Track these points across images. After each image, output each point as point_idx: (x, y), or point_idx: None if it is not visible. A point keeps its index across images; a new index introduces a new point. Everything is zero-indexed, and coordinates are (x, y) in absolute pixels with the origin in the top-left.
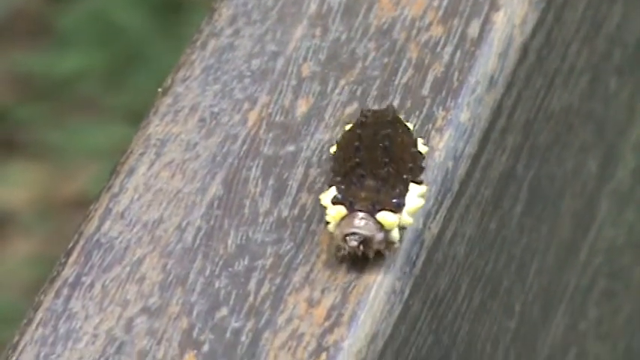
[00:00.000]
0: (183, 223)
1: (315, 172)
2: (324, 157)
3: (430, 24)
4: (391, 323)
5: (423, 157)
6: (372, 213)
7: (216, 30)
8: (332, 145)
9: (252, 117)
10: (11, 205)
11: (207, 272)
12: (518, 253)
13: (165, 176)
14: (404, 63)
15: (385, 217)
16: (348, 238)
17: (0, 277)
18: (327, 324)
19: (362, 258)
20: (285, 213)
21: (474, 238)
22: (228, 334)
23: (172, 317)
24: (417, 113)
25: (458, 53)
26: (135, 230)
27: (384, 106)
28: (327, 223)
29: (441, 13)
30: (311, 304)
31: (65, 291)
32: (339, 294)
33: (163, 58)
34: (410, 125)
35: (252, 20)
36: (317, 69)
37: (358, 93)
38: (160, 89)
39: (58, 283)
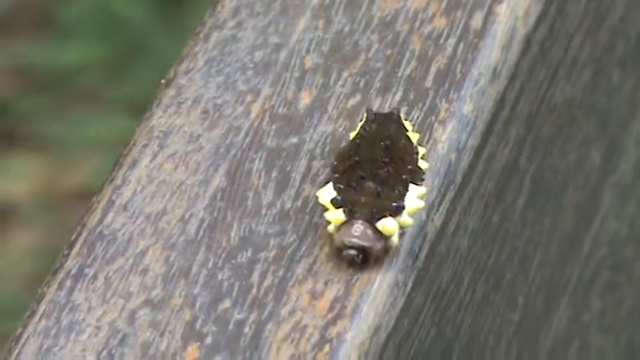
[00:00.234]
0: (186, 215)
1: (319, 165)
2: (327, 149)
3: (433, 16)
4: (394, 316)
5: (423, 171)
6: (371, 222)
7: (219, 22)
8: (338, 137)
9: (255, 109)
10: (13, 197)
11: (210, 264)
12: (521, 245)
13: (168, 168)
14: (407, 55)
15: (386, 225)
16: (347, 248)
17: (2, 269)
18: (330, 316)
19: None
20: (288, 205)
21: (476, 231)
22: (231, 326)
23: (175, 309)
24: (420, 105)
25: (461, 45)
26: (138, 222)
27: (387, 97)
28: (328, 222)
29: (444, 5)
30: (314, 296)
31: (68, 283)
32: (342, 286)
33: (166, 50)
34: (412, 135)
35: (255, 12)
36: (320, 61)
37: (361, 85)
38: (163, 81)
39: (60, 275)
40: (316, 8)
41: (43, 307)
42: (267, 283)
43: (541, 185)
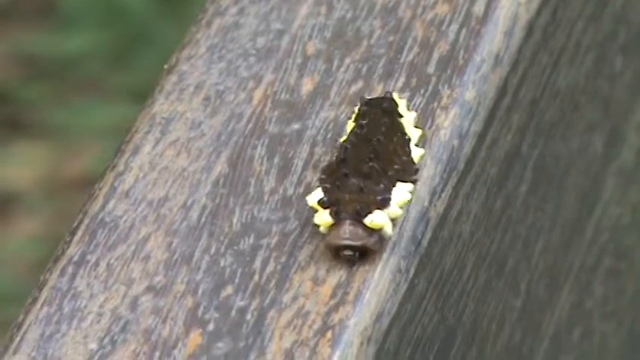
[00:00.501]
0: (189, 202)
1: (321, 151)
2: (329, 135)
3: (436, 2)
4: (396, 302)
5: (416, 170)
6: (359, 220)
7: (221, 8)
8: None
9: (258, 95)
10: (16, 184)
11: (213, 251)
12: (524, 231)
13: (171, 155)
14: (409, 41)
15: (374, 220)
16: (341, 249)
17: (5, 255)
18: (332, 302)
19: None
20: (290, 191)
21: (479, 217)
22: (233, 313)
23: (177, 296)
24: (423, 91)
25: (463, 31)
26: (140, 209)
27: (389, 84)
28: (317, 225)
29: None
30: (316, 282)
31: (70, 270)
32: (344, 272)
33: (168, 37)
34: (407, 122)
35: None
36: (322, 47)
37: (364, 71)
38: (165, 67)
39: (62, 262)
40: None
41: (45, 294)
42: (269, 269)
43: (543, 171)
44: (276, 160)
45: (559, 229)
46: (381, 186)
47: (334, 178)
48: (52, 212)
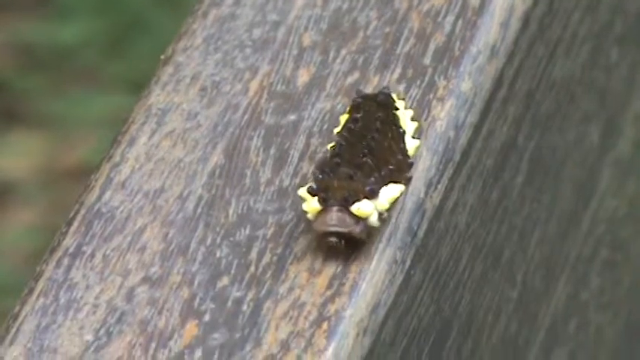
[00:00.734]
0: (185, 193)
1: (317, 142)
2: (325, 126)
3: None
4: (392, 293)
5: (410, 164)
6: (346, 206)
7: None
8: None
9: (254, 86)
10: (12, 174)
11: (209, 242)
12: (520, 223)
13: (167, 146)
14: (405, 32)
15: (360, 208)
16: (326, 235)
17: (1, 246)
18: (328, 293)
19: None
20: (286, 182)
21: (475, 208)
22: (229, 304)
23: (173, 287)
24: (419, 82)
25: (459, 22)
26: (136, 200)
27: (385, 75)
28: (306, 212)
29: None
30: (312, 273)
31: (66, 261)
32: (340, 263)
33: (164, 27)
34: (402, 115)
35: None
36: (318, 38)
37: (360, 62)
38: (162, 57)
39: (58, 253)
40: None
41: (41, 285)
42: (265, 260)
43: (540, 163)
44: (272, 151)
45: (555, 221)
46: (372, 179)
47: (326, 167)
48: (49, 202)
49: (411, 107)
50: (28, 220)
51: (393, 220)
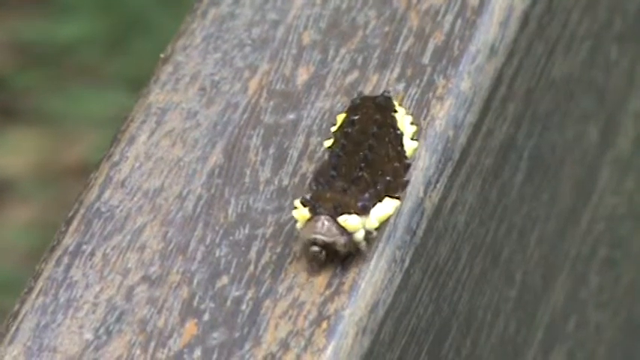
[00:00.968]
0: (184, 192)
1: (316, 141)
2: (324, 125)
3: None
4: (392, 292)
5: (407, 167)
6: (334, 216)
7: None
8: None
9: (253, 85)
10: (11, 172)
11: (208, 241)
12: (519, 221)
13: (166, 145)
14: (404, 31)
15: (347, 220)
16: (310, 244)
17: (0, 244)
18: (327, 293)
19: (328, 260)
20: (285, 182)
21: (474, 207)
22: (228, 303)
23: (173, 286)
24: (418, 82)
25: (459, 21)
26: (135, 199)
27: (384, 74)
28: (296, 220)
29: None
30: (311, 272)
31: (66, 259)
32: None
33: (164, 25)
34: (401, 117)
35: None
36: (318, 37)
37: (359, 61)
38: (162, 55)
39: (58, 252)
40: None
41: (40, 283)
42: (264, 259)
43: (539, 161)
44: (271, 150)
45: (554, 219)
46: (366, 195)
47: (321, 180)
48: (47, 200)
49: (410, 106)
50: (27, 217)
51: (392, 219)
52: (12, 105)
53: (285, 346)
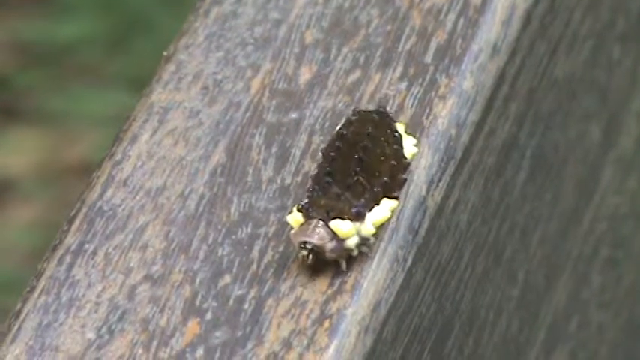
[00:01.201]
0: (187, 191)
1: (318, 140)
2: (327, 124)
3: None
4: (394, 291)
5: (406, 166)
6: (326, 220)
7: None
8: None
9: (255, 84)
10: (13, 171)
11: (210, 240)
12: (522, 221)
13: (168, 144)
14: (407, 30)
15: (338, 225)
16: (299, 248)
17: (1, 243)
18: (330, 291)
19: (318, 264)
20: (288, 180)
21: (477, 206)
22: (231, 302)
23: (175, 285)
24: (420, 80)
25: (461, 20)
26: (138, 198)
27: (387, 73)
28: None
29: None
30: (314, 271)
31: (68, 259)
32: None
33: (165, 24)
34: (401, 127)
35: None
36: (320, 36)
37: (361, 60)
38: (165, 53)
39: (60, 251)
40: None
41: (42, 283)
42: (267, 258)
43: (541, 161)
44: (273, 149)
45: (557, 219)
46: (362, 200)
47: (317, 187)
48: (49, 199)
49: (412, 105)
50: (29, 217)
51: (395, 218)
52: (13, 105)
53: (287, 344)
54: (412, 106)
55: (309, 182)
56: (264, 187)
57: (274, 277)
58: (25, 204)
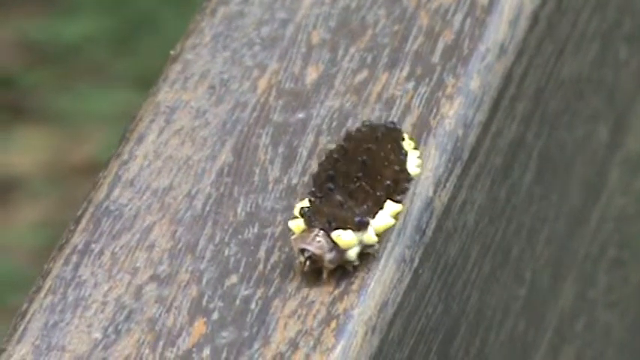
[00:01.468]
0: (193, 191)
1: (325, 140)
2: (334, 124)
3: None
4: (401, 292)
5: (409, 179)
6: (327, 231)
7: None
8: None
9: (262, 84)
10: (19, 170)
11: (217, 240)
12: (528, 221)
13: (175, 143)
14: (414, 30)
15: (340, 236)
16: (298, 255)
17: (8, 242)
18: (336, 292)
19: (317, 273)
20: (294, 180)
21: (483, 207)
22: (237, 302)
23: (182, 285)
24: (427, 81)
25: (468, 20)
26: (144, 197)
27: (394, 73)
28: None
29: None
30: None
31: (74, 258)
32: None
33: (171, 23)
34: (407, 144)
35: None
36: (327, 36)
37: (368, 60)
38: (172, 52)
39: (67, 251)
40: None
41: (49, 282)
42: (273, 258)
43: (548, 161)
44: (280, 149)
45: (563, 219)
46: (364, 207)
47: (321, 192)
48: (56, 198)
49: (419, 105)
50: (35, 216)
51: (402, 218)
52: (20, 104)
53: (294, 345)
54: (419, 106)
55: (311, 181)
56: (270, 187)
57: (281, 278)
58: (31, 203)
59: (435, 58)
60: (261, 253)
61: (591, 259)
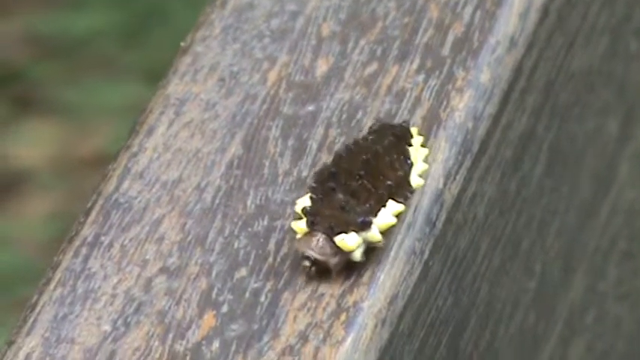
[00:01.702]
0: (203, 183)
1: (335, 132)
2: (344, 117)
3: None
4: (411, 284)
5: (411, 190)
6: (330, 235)
7: None
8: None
9: (272, 76)
10: (28, 163)
11: (227, 232)
12: (539, 213)
13: (185, 136)
14: (424, 23)
15: (344, 240)
16: (303, 258)
17: (17, 234)
18: (346, 284)
19: (321, 272)
20: (304, 173)
21: (493, 199)
22: (247, 295)
23: (191, 277)
24: (437, 73)
25: (478, 13)
26: (154, 190)
27: (404, 66)
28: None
29: None
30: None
31: (84, 251)
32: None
33: (180, 16)
34: (415, 151)
35: None
36: (337, 28)
37: (378, 53)
38: (182, 43)
39: (76, 243)
40: None
41: (58, 274)
42: (283, 251)
43: (558, 153)
44: (290, 141)
45: (574, 211)
46: (367, 206)
47: (322, 189)
48: (64, 191)
49: (429, 98)
50: (44, 208)
51: (412, 211)
52: (29, 97)
53: (303, 338)
54: (429, 98)
55: (313, 177)
56: (280, 179)
57: (291, 270)
58: (40, 195)
59: (445, 50)
60: (271, 246)
61: (601, 252)
